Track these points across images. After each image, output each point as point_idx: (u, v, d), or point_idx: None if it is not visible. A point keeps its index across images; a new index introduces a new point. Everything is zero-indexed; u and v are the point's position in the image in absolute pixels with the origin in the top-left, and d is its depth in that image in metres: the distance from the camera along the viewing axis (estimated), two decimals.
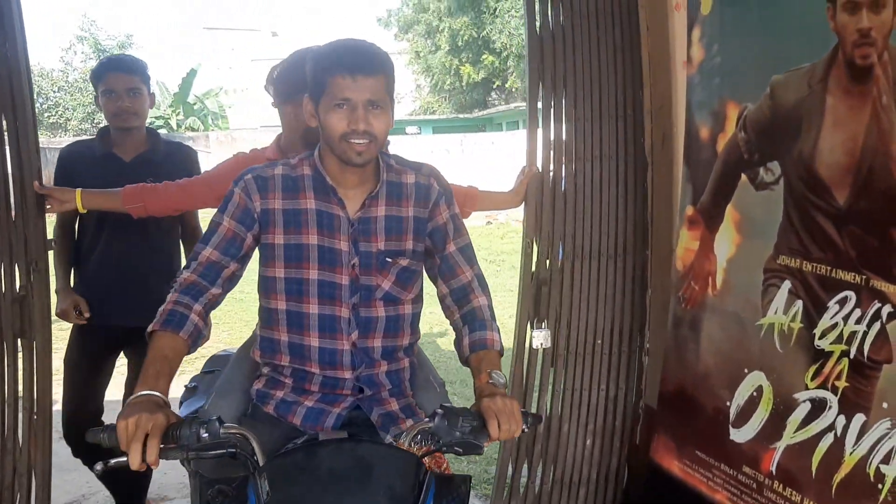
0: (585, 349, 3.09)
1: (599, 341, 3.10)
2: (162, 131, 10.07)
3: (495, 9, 25.55)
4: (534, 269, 3.00)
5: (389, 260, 1.91)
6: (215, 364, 2.42)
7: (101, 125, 3.19)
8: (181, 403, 2.33)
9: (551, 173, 2.97)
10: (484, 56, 26.16)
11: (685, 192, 2.67)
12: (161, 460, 1.47)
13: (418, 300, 1.99)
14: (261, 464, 1.52)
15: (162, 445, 1.46)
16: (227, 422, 1.55)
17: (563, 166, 2.97)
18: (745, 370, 2.45)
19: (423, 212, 1.95)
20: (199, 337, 1.79)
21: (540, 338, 3.00)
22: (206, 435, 1.47)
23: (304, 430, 1.85)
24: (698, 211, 2.60)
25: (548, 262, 3.00)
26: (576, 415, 3.12)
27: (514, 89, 25.99)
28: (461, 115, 26.87)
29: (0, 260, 2.51)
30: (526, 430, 1.67)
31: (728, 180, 2.47)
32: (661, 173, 3.02)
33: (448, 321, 2.02)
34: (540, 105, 2.95)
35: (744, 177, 2.41)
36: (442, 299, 2.01)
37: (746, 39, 2.37)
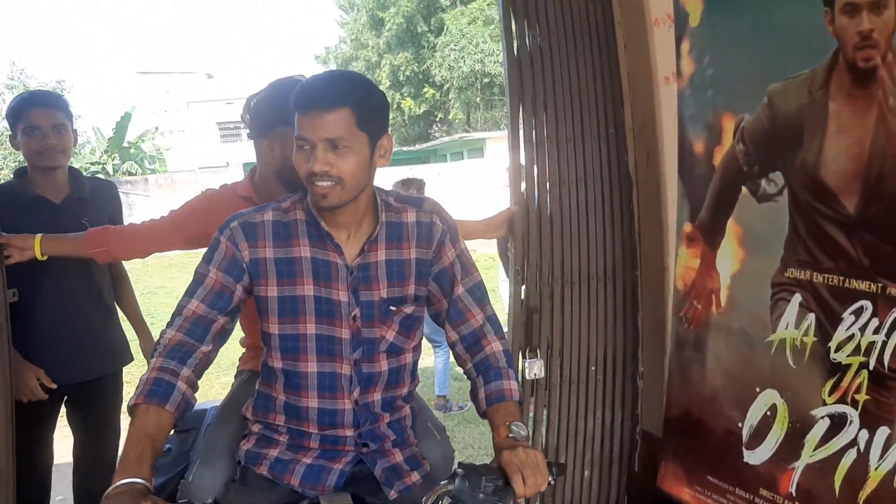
0: (580, 376, 2.99)
1: (593, 368, 3.00)
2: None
3: (435, 44, 25.75)
4: (523, 297, 2.90)
5: (393, 308, 1.75)
6: (190, 422, 2.23)
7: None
8: (155, 469, 2.18)
9: (536, 198, 2.88)
10: (425, 89, 26.32)
11: (681, 209, 2.59)
12: None
13: (419, 347, 1.86)
14: None
15: None
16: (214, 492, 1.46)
17: (548, 190, 2.88)
18: (757, 389, 2.37)
19: (426, 252, 1.79)
20: (187, 407, 1.60)
21: (534, 368, 2.89)
22: None
23: (302, 492, 1.71)
24: (697, 227, 2.53)
25: (538, 289, 2.90)
26: (573, 445, 3.01)
27: (455, 121, 26.14)
28: (405, 148, 26.87)
29: None
30: (552, 482, 1.54)
31: (728, 194, 2.40)
32: (647, 192, 2.95)
33: (460, 366, 1.88)
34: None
35: (744, 189, 2.34)
36: (452, 346, 1.86)
37: (739, 49, 2.31)
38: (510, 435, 1.62)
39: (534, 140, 2.86)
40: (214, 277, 1.69)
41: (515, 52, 2.84)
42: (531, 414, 2.96)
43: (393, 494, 1.72)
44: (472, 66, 24.34)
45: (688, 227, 2.56)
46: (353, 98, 1.58)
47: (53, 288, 2.75)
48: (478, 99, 25.53)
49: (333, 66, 31.05)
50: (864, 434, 2.07)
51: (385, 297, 1.74)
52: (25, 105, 2.75)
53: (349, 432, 1.74)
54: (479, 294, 1.84)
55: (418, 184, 5.78)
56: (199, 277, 1.70)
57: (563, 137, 2.89)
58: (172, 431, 1.98)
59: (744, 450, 2.40)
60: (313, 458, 1.74)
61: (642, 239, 3.01)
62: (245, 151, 30.09)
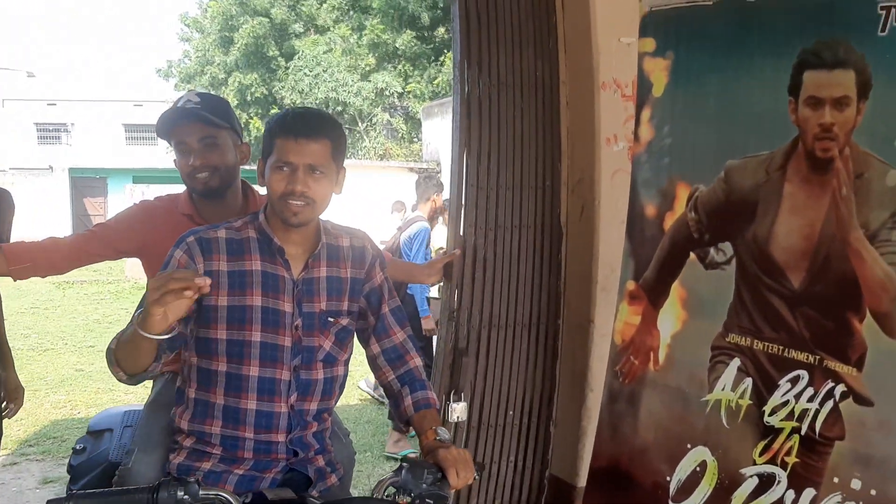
0: (498, 420, 3.02)
1: (511, 412, 3.04)
2: None
3: (287, 67, 25.46)
4: (453, 339, 2.90)
5: (331, 320, 1.93)
6: (102, 423, 2.35)
7: None
8: (71, 466, 2.28)
9: (473, 241, 2.91)
10: (273, 110, 25.89)
11: (626, 267, 2.70)
12: None
13: (348, 363, 2.02)
14: None
15: None
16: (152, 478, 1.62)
17: (485, 234, 2.92)
18: (689, 445, 2.49)
19: (359, 273, 1.99)
20: (174, 341, 1.75)
21: (458, 411, 2.89)
22: (185, 497, 1.49)
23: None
24: (641, 286, 2.64)
25: (467, 332, 2.91)
26: (485, 488, 3.04)
27: None
28: (246, 167, 26.16)
29: None
30: (477, 478, 1.79)
31: (676, 258, 2.53)
32: (578, 244, 3.05)
33: (376, 378, 2.08)
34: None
35: (693, 255, 2.48)
36: (373, 358, 2.04)
37: (701, 123, 2.46)
38: (438, 437, 1.84)
39: (476, 184, 2.90)
40: None
41: (466, 97, 2.87)
42: None
43: (315, 494, 1.87)
44: (327, 94, 24.22)
45: (631, 286, 2.67)
46: (333, 132, 1.82)
47: None
48: None
49: (176, 80, 29.99)
50: (791, 494, 2.22)
51: (325, 310, 1.92)
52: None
53: (281, 437, 1.87)
54: (401, 316, 2.06)
55: (437, 178, 5.92)
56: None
57: (504, 184, 2.94)
58: (86, 432, 2.36)
59: (670, 502, 2.50)
60: (246, 469, 1.85)
61: (567, 289, 3.10)
62: (69, 157, 28.58)
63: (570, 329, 3.09)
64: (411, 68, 25.31)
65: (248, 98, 26.11)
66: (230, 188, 2.36)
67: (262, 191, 2.15)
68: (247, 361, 1.84)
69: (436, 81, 24.40)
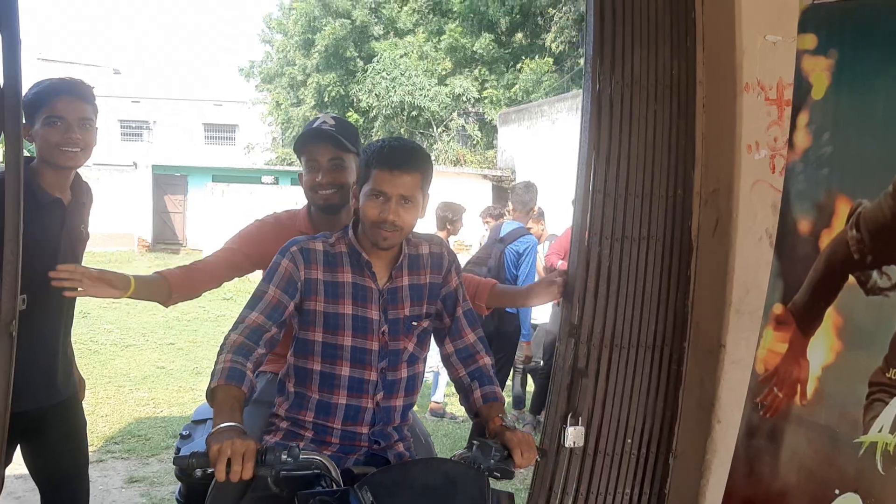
0: (615, 448, 2.78)
1: (629, 440, 2.80)
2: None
3: (366, 69, 25.56)
4: (571, 358, 2.68)
5: (414, 324, 2.16)
6: (206, 413, 2.53)
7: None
8: (177, 450, 2.56)
9: (598, 252, 2.68)
10: (349, 114, 26.04)
11: (773, 289, 2.44)
12: None
13: (426, 359, 2.26)
14: (338, 484, 1.82)
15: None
16: None
17: (610, 246, 2.69)
18: (836, 491, 2.22)
19: (437, 278, 2.21)
20: (252, 392, 1.95)
21: (573, 435, 2.67)
22: (289, 459, 1.71)
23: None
24: (790, 311, 2.38)
25: (587, 351, 2.69)
26: None
27: None
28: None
29: None
30: (539, 460, 2.25)
31: (832, 281, 2.26)
32: (710, 261, 2.79)
33: (449, 375, 2.31)
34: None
35: (852, 278, 2.21)
36: (447, 356, 2.28)
37: (867, 131, 2.20)
38: (503, 423, 2.08)
39: (603, 190, 2.67)
40: (273, 294, 2.06)
41: (598, 94, 2.65)
42: (562, 484, 2.73)
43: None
44: (402, 97, 24.23)
45: (778, 309, 2.41)
46: (424, 165, 2.05)
47: (52, 303, 2.45)
48: (402, 129, 25.42)
49: (257, 81, 30.40)
50: None
51: (408, 315, 2.15)
52: (52, 92, 2.43)
53: (365, 430, 2.11)
54: (473, 318, 2.29)
55: (534, 188, 5.77)
56: (260, 294, 2.07)
57: (633, 191, 2.71)
58: (190, 421, 2.72)
59: None
60: (333, 451, 2.06)
61: (695, 310, 2.84)
62: (149, 154, 29.20)
63: (697, 353, 2.83)
64: (488, 73, 25.17)
65: (326, 98, 26.34)
66: (345, 207, 2.58)
67: None
68: (339, 363, 2.08)
69: (513, 89, 24.20)
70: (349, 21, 25.80)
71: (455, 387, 2.32)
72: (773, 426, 2.42)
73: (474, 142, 24.82)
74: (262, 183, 24.00)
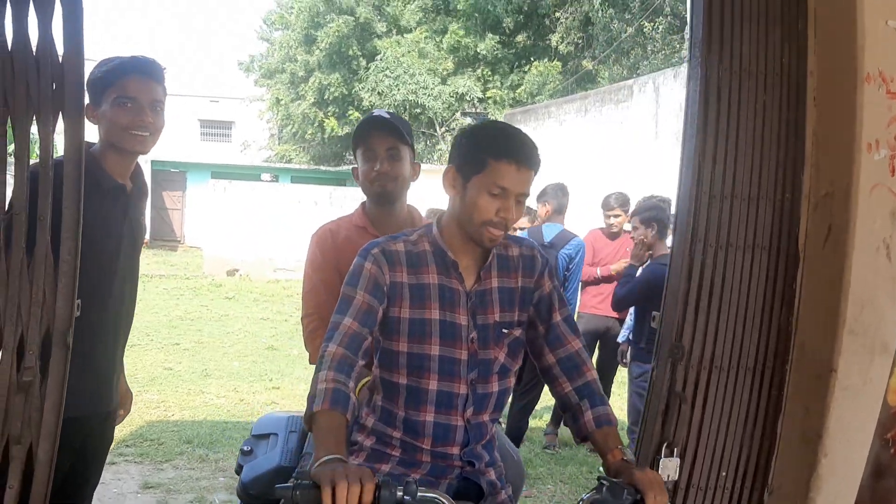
0: (709, 482, 2.47)
1: (724, 473, 2.49)
2: None
3: (368, 67, 25.22)
4: (668, 380, 2.37)
5: (505, 331, 1.95)
6: (267, 427, 2.48)
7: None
8: (240, 467, 2.38)
9: (701, 260, 2.37)
10: (350, 112, 25.74)
11: None
12: None
13: (517, 372, 2.04)
14: None
15: None
16: None
17: (714, 253, 2.39)
18: None
19: (529, 282, 2.00)
20: (355, 416, 1.77)
21: (670, 468, 2.36)
22: (406, 497, 1.51)
23: None
24: None
25: (685, 372, 2.38)
26: None
27: None
28: (323, 168, 26.01)
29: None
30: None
31: None
32: (820, 274, 2.47)
33: (551, 391, 2.04)
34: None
35: None
36: (548, 370, 2.01)
37: None
38: (625, 458, 1.84)
39: (709, 191, 2.37)
40: (362, 299, 1.84)
41: (705, 83, 2.34)
42: None
43: None
44: (406, 96, 23.89)
45: None
46: (539, 163, 1.87)
47: (110, 306, 2.32)
48: None
49: (257, 76, 30.02)
50: None
51: (498, 321, 1.94)
52: (123, 71, 2.24)
53: (456, 450, 1.92)
54: (574, 325, 2.04)
55: (567, 190, 5.43)
56: (348, 298, 1.85)
57: (739, 194, 2.41)
58: (251, 435, 2.49)
59: None
60: (423, 474, 1.90)
61: (800, 328, 2.53)
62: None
63: (802, 377, 2.51)
64: (490, 74, 24.91)
65: (327, 96, 26.04)
66: (399, 200, 2.57)
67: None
68: (426, 375, 1.88)
69: (518, 90, 23.93)
70: (352, 18, 25.47)
71: (559, 405, 2.06)
72: None
73: None
74: (262, 181, 23.72)
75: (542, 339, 2.01)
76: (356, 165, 2.62)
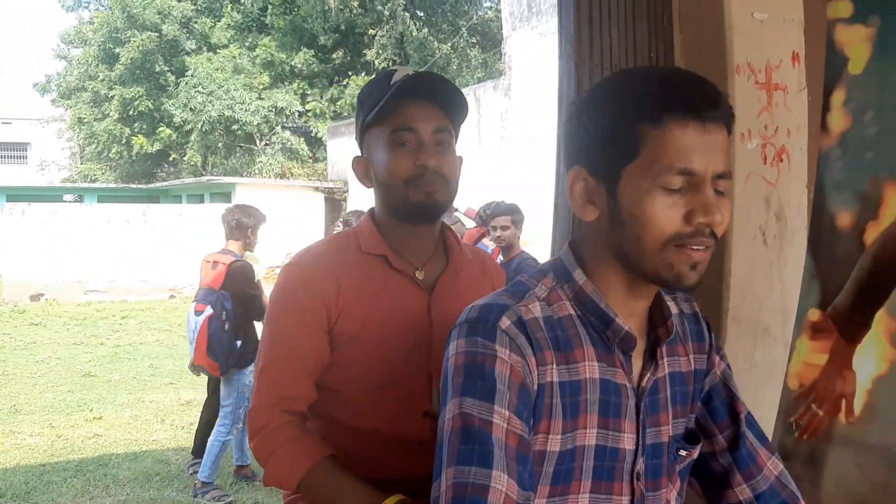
0: None
1: None
2: None
3: (178, 83, 24.18)
4: None
5: (683, 453, 1.17)
6: None
7: None
8: None
9: None
10: (160, 129, 24.61)
11: (808, 293, 2.15)
12: None
13: None
14: None
15: None
16: None
17: None
18: None
19: (701, 360, 1.23)
20: None
21: None
22: None
23: None
24: (829, 317, 2.08)
25: None
26: None
27: (195, 163, 24.56)
28: (134, 185, 24.60)
29: None
30: None
31: (882, 280, 1.98)
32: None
33: None
34: None
35: None
36: None
37: None
38: None
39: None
40: (509, 427, 1.00)
41: (576, 81, 2.34)
42: None
43: None
44: (221, 111, 23.06)
45: (815, 316, 2.11)
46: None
47: None
48: (220, 144, 24.24)
49: (54, 95, 28.15)
50: None
51: (672, 436, 1.16)
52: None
53: None
54: (758, 427, 1.27)
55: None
56: (482, 433, 0.99)
57: None
58: None
59: None
60: None
61: None
62: None
63: None
64: (308, 87, 24.61)
65: (131, 111, 24.83)
66: (444, 213, 1.64)
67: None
68: None
69: (338, 103, 23.78)
70: (157, 35, 24.38)
71: None
72: (812, 449, 2.12)
73: (300, 155, 24.07)
74: (64, 201, 22.23)
75: (726, 460, 1.23)
76: (359, 155, 1.65)
